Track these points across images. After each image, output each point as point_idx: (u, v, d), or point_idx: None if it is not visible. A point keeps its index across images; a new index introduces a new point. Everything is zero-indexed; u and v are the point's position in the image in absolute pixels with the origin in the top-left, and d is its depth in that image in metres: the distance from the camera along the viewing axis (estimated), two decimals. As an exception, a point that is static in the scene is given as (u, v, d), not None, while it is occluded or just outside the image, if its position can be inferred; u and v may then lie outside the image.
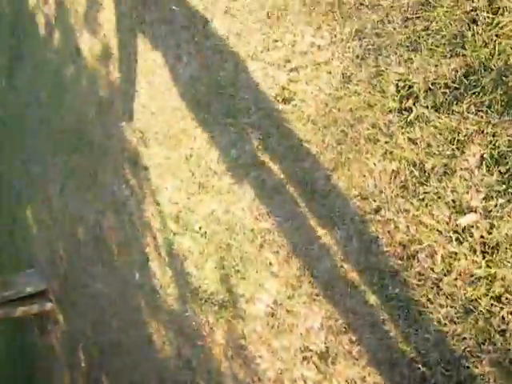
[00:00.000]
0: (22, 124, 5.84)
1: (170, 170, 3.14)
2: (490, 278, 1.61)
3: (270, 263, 2.39)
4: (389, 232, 1.90)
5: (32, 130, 5.37)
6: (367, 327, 1.98)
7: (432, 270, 1.74)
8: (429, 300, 1.75)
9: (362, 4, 2.10)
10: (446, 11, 1.76)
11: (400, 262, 1.84)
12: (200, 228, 2.84)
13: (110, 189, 3.77)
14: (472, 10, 1.69)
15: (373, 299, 1.94)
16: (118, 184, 3.69)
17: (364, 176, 2.03)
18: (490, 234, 1.60)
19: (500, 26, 1.59)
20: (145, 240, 3.37)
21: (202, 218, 2.83)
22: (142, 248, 3.38)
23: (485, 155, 1.62)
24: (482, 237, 1.62)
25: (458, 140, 1.70)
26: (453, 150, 1.72)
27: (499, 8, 1.59)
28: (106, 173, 3.85)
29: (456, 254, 1.66)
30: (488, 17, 1.63)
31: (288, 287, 2.30)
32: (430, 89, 1.82)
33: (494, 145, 1.60)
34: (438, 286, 1.72)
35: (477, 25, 1.67)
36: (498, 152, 1.59)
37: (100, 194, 3.89)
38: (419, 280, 1.78)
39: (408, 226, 1.83)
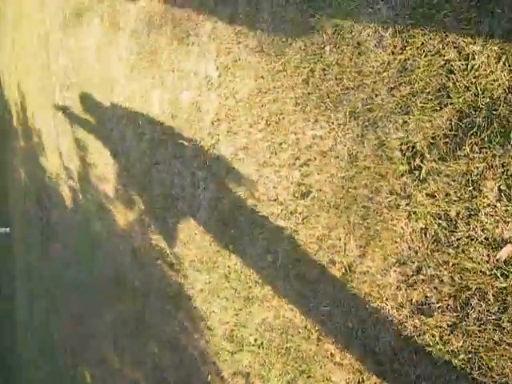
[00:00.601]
0: (61, 288, 6.06)
1: (213, 293, 3.21)
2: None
3: (332, 354, 2.38)
4: (435, 288, 1.92)
5: (74, 290, 5.55)
6: (445, 394, 1.93)
7: (489, 311, 1.73)
8: (496, 343, 1.72)
9: (347, 88, 2.28)
10: (423, 71, 1.92)
11: (455, 313, 1.84)
12: (255, 340, 2.85)
13: (159, 328, 3.83)
14: (446, 63, 1.84)
15: (440, 360, 1.91)
16: (166, 321, 3.75)
17: (396, 242, 2.09)
18: (532, 261, 1.62)
19: (475, 68, 1.74)
20: (205, 368, 3.36)
21: (254, 330, 2.85)
22: (204, 377, 3.36)
23: (501, 187, 1.69)
24: (526, 266, 1.64)
25: (472, 181, 1.78)
26: (470, 191, 1.79)
27: (468, 54, 1.75)
28: (153, 313, 3.93)
29: (506, 288, 1.67)
30: (462, 64, 1.78)
31: (355, 373, 2.27)
32: (431, 143, 1.93)
33: (506, 174, 1.68)
34: (500, 326, 1.70)
35: (454, 74, 1.81)
36: (513, 181, 1.66)
37: (151, 335, 3.94)
38: (479, 326, 1.77)
39: (452, 277, 1.85)
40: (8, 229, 8.92)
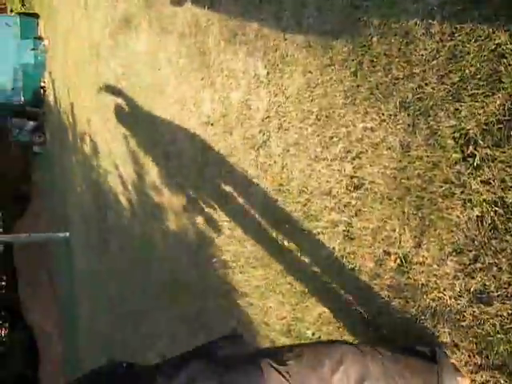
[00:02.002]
0: (120, 289, 6.28)
1: (269, 288, 3.29)
2: None
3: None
4: (494, 277, 1.92)
5: (132, 292, 5.75)
6: None
7: (549, 298, 1.73)
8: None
9: (396, 78, 2.31)
10: (474, 56, 1.93)
11: (515, 301, 1.85)
12: (313, 334, 2.91)
13: (217, 325, 3.93)
14: (497, 47, 1.85)
15: (501, 350, 1.92)
16: (223, 318, 3.85)
17: (452, 231, 2.10)
18: None
19: (526, 51, 1.74)
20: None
21: (312, 324, 2.91)
22: (263, 373, 3.44)
23: (558, 170, 1.69)
24: None
25: (528, 165, 1.78)
26: (526, 176, 1.79)
27: (519, 37, 1.75)
28: (210, 311, 4.04)
29: None
30: (513, 48, 1.78)
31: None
32: (484, 130, 1.93)
33: None
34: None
35: (506, 58, 1.82)
36: None
37: (209, 333, 4.05)
38: (541, 312, 1.77)
39: (511, 264, 1.85)
40: (68, 233, 9.28)
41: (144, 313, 5.60)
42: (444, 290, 2.15)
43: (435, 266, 2.18)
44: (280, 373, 1.76)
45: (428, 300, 2.22)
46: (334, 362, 1.87)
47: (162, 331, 5.07)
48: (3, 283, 15.38)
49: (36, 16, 11.20)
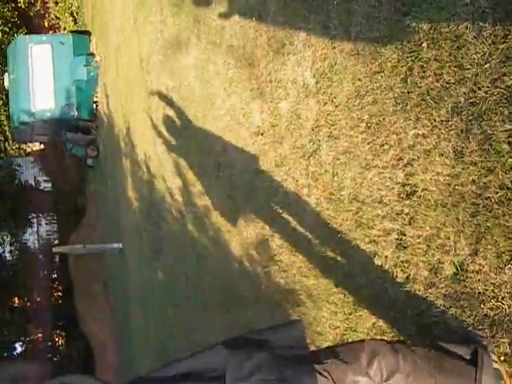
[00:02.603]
0: (172, 300, 6.39)
1: (322, 298, 3.29)
2: None
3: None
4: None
5: (185, 301, 5.84)
6: None
7: None
8: None
9: (447, 83, 2.29)
10: (528, 59, 1.90)
11: None
12: (367, 344, 2.89)
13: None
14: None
15: None
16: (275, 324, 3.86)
17: (510, 238, 2.06)
18: None
19: None
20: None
21: (365, 334, 2.89)
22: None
23: None
24: None
25: None
26: None
27: None
28: (263, 320, 4.06)
29: None
30: None
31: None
32: (541, 133, 1.90)
33: None
34: None
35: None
36: None
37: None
38: None
39: None
40: (121, 244, 9.51)
41: (196, 322, 5.68)
42: (502, 298, 2.11)
43: (492, 275, 2.14)
44: (321, 373, 1.80)
45: (486, 309, 2.19)
46: (369, 356, 1.90)
47: (215, 340, 5.12)
48: (59, 294, 15.86)
49: (88, 33, 11.60)
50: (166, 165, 6.40)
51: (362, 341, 2.06)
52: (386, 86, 2.67)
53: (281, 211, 3.71)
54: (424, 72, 2.44)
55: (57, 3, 12.59)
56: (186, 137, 5.62)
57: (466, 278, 2.27)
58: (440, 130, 2.36)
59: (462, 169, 2.26)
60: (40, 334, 15.40)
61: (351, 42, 2.93)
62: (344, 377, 1.84)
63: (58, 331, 15.93)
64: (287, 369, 1.76)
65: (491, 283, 2.16)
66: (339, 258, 3.12)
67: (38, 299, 15.31)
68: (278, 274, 3.82)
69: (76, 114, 11.24)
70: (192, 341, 5.88)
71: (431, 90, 2.39)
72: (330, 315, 3.24)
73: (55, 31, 13.74)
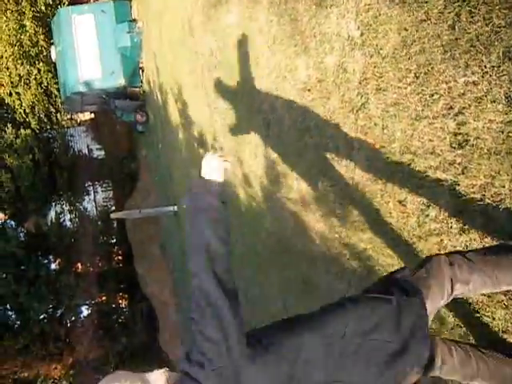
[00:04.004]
0: (232, 258, 6.55)
1: (377, 251, 3.34)
2: None
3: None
4: None
5: (241, 260, 5.99)
6: None
7: None
8: None
9: (498, 27, 2.25)
10: None
11: None
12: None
13: (327, 289, 4.05)
14: None
15: None
16: (333, 283, 3.95)
17: None
18: None
19: None
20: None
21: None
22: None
23: None
24: None
25: None
26: None
27: None
28: (319, 276, 4.16)
29: None
30: None
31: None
32: None
33: None
34: None
35: None
36: None
37: (318, 295, 4.18)
38: None
39: None
40: (176, 207, 9.74)
41: (254, 278, 5.83)
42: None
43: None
44: None
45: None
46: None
47: (273, 295, 5.27)
48: (120, 258, 16.41)
49: (128, -1, 11.64)
50: (216, 126, 6.47)
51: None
52: (434, 34, 2.63)
53: (332, 166, 3.74)
54: (472, 17, 2.39)
55: (96, -29, 12.64)
56: (233, 97, 5.66)
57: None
58: (491, 76, 2.33)
59: (516, 114, 2.24)
60: (104, 298, 16.05)
61: (395, -10, 2.88)
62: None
63: (121, 294, 16.56)
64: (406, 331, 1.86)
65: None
66: (393, 211, 3.14)
67: (100, 264, 15.91)
68: (332, 229, 3.87)
69: (123, 81, 11.40)
70: (249, 296, 6.05)
71: (480, 35, 2.35)
72: (386, 268, 3.29)
73: (96, 0, 13.83)
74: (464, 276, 1.99)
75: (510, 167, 2.30)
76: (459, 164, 2.58)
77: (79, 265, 15.61)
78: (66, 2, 13.05)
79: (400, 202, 3.07)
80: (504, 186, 2.35)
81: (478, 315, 2.55)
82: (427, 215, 2.86)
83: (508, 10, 2.21)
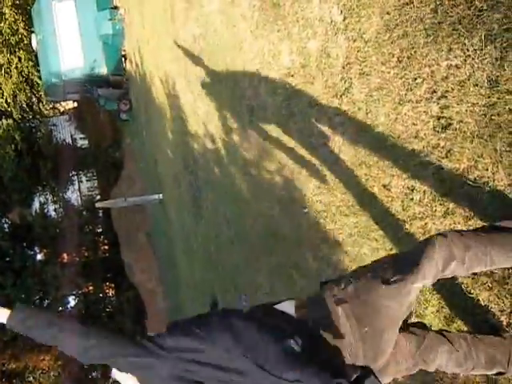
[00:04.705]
0: (216, 245, 6.57)
1: (362, 235, 3.35)
2: None
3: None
4: None
5: (229, 246, 6.00)
6: None
7: None
8: None
9: (480, 10, 2.25)
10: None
11: None
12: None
13: (315, 274, 4.06)
14: None
15: None
16: (319, 268, 3.97)
17: (549, 164, 2.06)
18: None
19: None
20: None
21: (407, 268, 2.96)
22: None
23: None
24: None
25: None
26: None
27: None
28: (305, 261, 4.17)
29: None
30: None
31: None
32: None
33: None
34: None
35: None
36: None
37: (306, 282, 4.20)
38: None
39: None
40: (161, 195, 9.71)
41: (241, 265, 5.84)
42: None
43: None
44: None
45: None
46: None
47: (261, 282, 5.29)
48: (106, 247, 16.38)
49: (109, -14, 11.50)
50: (199, 112, 6.44)
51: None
52: (416, 18, 2.63)
53: (317, 152, 3.74)
54: (454, 0, 2.39)
55: (76, -43, 12.44)
56: (217, 83, 5.63)
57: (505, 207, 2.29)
58: (473, 59, 2.33)
59: (498, 98, 2.24)
60: (91, 287, 16.02)
61: (378, -27, 2.86)
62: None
63: (108, 283, 16.54)
64: None
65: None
66: (377, 195, 3.15)
67: (86, 254, 15.86)
68: (318, 214, 3.88)
69: (105, 69, 11.30)
70: (238, 283, 6.07)
71: (463, 18, 2.35)
72: (372, 252, 3.30)
73: (76, -14, 13.64)
74: (460, 253, 1.97)
75: (492, 150, 2.31)
76: (443, 147, 2.58)
77: (65, 255, 15.54)
78: (46, -10, 12.85)
79: (384, 186, 3.08)
80: (487, 169, 2.36)
81: (462, 297, 2.57)
82: (411, 199, 2.87)
83: (490, -8, 2.21)
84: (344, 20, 3.22)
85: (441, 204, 2.67)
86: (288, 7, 3.83)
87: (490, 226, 2.15)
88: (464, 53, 2.37)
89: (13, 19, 13.08)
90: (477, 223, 2.46)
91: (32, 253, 14.64)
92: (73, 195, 16.61)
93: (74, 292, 15.76)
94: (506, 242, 2.02)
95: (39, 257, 14.91)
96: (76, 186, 16.97)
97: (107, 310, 15.93)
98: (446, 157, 2.58)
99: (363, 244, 3.39)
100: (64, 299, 15.38)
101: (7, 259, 13.24)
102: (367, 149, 3.15)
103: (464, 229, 2.47)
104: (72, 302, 15.88)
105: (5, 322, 1.87)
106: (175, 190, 8.74)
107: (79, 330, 1.83)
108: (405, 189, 2.90)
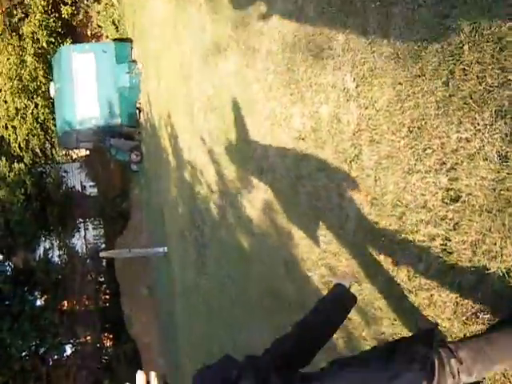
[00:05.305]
0: (219, 303, 6.47)
1: (366, 303, 3.29)
2: None
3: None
4: None
5: (231, 304, 5.91)
6: None
7: None
8: None
9: (491, 86, 2.27)
10: None
11: None
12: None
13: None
14: None
15: None
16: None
17: (558, 244, 2.03)
18: None
19: None
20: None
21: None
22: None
23: None
24: None
25: None
26: None
27: None
28: (308, 325, 4.08)
29: None
30: None
31: None
32: None
33: None
34: None
35: None
36: None
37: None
38: None
39: None
40: (166, 248, 9.67)
41: (242, 324, 5.74)
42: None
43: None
44: None
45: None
46: None
47: (261, 344, 5.16)
48: (107, 297, 16.19)
49: (129, 40, 11.83)
50: (209, 169, 6.48)
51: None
52: (428, 90, 2.66)
53: (324, 216, 3.72)
54: (466, 75, 2.42)
55: (99, 12, 12.88)
56: (228, 142, 5.68)
57: (514, 284, 2.24)
58: (484, 133, 2.34)
59: (508, 173, 2.24)
60: (89, 337, 15.75)
61: (390, 45, 2.92)
62: None
63: (106, 333, 16.26)
64: None
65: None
66: (383, 264, 3.11)
67: (87, 302, 15.67)
68: (322, 278, 3.83)
69: (119, 120, 11.49)
70: (238, 343, 5.94)
71: (474, 93, 2.37)
72: (375, 320, 3.24)
73: (98, 39, 14.06)
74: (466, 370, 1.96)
75: (501, 225, 2.28)
76: (451, 219, 2.56)
77: (65, 302, 15.37)
78: (69, 42, 13.26)
79: (391, 254, 3.04)
80: (495, 244, 2.33)
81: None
82: (417, 269, 2.83)
83: (501, 70, 2.24)
84: (356, 87, 3.26)
85: (447, 276, 2.62)
86: (302, 72, 3.90)
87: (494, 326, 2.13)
88: (474, 127, 2.38)
89: (33, 67, 13.43)
90: (484, 298, 2.42)
91: (32, 298, 14.48)
92: (78, 242, 16.57)
93: (72, 341, 15.49)
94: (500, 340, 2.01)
95: (39, 302, 14.75)
96: (82, 234, 16.97)
97: (103, 361, 15.61)
98: (454, 229, 2.55)
99: (367, 312, 3.33)
100: (61, 347, 15.10)
101: (6, 303, 13.09)
102: (375, 216, 3.14)
103: (465, 304, 2.44)
104: (69, 350, 15.59)
105: None
106: (180, 245, 8.70)
107: None
108: (411, 258, 2.87)
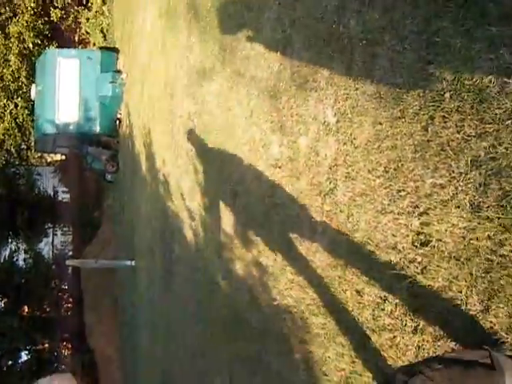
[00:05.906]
0: (181, 322, 6.37)
1: (329, 338, 3.26)
2: None
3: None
4: None
5: (193, 325, 5.82)
6: None
7: None
8: None
9: (468, 136, 2.28)
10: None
11: None
12: (373, 390, 2.85)
13: (276, 368, 3.92)
14: None
15: None
16: (282, 362, 3.83)
17: (523, 299, 2.03)
18: None
19: None
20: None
21: (371, 379, 2.85)
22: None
23: None
24: None
25: None
26: None
27: None
28: (269, 353, 4.03)
29: None
30: None
31: None
32: (560, 197, 1.88)
33: None
34: None
35: None
36: None
37: (268, 376, 4.05)
38: None
39: None
40: (134, 261, 9.54)
41: (202, 347, 5.65)
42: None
43: (503, 334, 2.11)
44: None
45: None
46: None
47: (220, 369, 5.10)
48: (69, 305, 15.90)
49: (116, 50, 11.78)
50: (184, 188, 6.43)
51: None
52: (407, 133, 2.67)
53: (294, 246, 3.70)
54: (445, 122, 2.44)
55: (88, 19, 12.84)
56: (205, 162, 5.65)
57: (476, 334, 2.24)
58: (458, 181, 2.35)
59: (478, 223, 2.24)
60: (47, 344, 15.41)
61: (374, 84, 2.94)
62: None
63: (65, 343, 15.93)
64: None
65: (501, 342, 2.12)
66: (349, 300, 3.09)
67: (48, 309, 15.36)
68: (287, 308, 3.79)
69: (98, 129, 11.38)
70: (196, 366, 5.85)
71: (451, 140, 2.39)
72: (336, 356, 3.21)
73: (85, 46, 13.99)
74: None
75: (468, 274, 2.28)
76: (419, 263, 2.56)
77: (26, 307, 15.04)
78: (55, 45, 13.17)
79: (357, 291, 3.02)
80: (461, 292, 2.33)
81: None
82: (383, 309, 2.82)
83: (479, 121, 2.26)
84: (337, 122, 3.27)
85: (411, 319, 2.61)
86: (284, 101, 3.90)
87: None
88: (449, 174, 2.39)
89: (16, 67, 13.29)
90: (446, 344, 2.41)
91: (-10, 301, 14.16)
92: (45, 247, 16.29)
93: (28, 347, 15.12)
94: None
95: (-2, 305, 14.42)
96: (50, 239, 16.69)
97: (59, 369, 15.25)
98: (422, 273, 2.55)
99: (329, 347, 3.29)
100: (16, 353, 14.72)
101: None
102: (344, 252, 3.12)
103: (427, 348, 2.42)
104: (24, 356, 15.21)
105: None
106: (148, 260, 8.60)
107: None
108: (377, 298, 2.85)
